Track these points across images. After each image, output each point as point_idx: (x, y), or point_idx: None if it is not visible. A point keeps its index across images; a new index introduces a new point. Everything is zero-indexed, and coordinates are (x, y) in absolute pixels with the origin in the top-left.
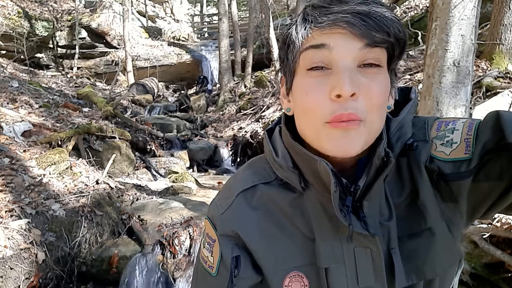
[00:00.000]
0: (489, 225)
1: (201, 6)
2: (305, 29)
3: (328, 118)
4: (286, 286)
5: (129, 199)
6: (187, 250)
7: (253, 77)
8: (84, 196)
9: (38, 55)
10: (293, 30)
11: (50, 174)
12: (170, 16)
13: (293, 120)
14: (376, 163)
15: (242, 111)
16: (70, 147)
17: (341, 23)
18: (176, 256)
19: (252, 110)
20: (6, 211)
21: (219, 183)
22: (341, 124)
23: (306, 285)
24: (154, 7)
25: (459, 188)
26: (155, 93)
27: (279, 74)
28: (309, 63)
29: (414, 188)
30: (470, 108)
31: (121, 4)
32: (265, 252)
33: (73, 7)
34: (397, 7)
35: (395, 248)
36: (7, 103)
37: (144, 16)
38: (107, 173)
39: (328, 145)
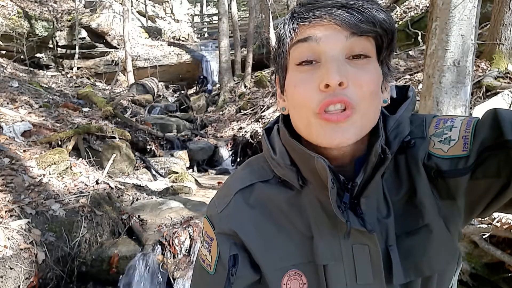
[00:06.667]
0: (489, 225)
1: (201, 6)
2: (292, 24)
3: (317, 107)
4: (284, 284)
5: (129, 199)
6: (187, 250)
7: (253, 77)
8: (84, 196)
9: (38, 55)
10: (281, 27)
11: (50, 174)
12: (170, 16)
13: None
14: (373, 160)
15: (242, 111)
16: (70, 147)
17: (326, 16)
18: (176, 256)
19: (252, 110)
20: (6, 211)
21: (219, 183)
22: (331, 117)
23: (305, 283)
24: (154, 7)
25: (457, 185)
26: (155, 93)
27: (274, 75)
28: (298, 58)
29: (412, 185)
30: (470, 108)
31: (121, 4)
32: (263, 251)
33: (73, 7)
34: (397, 7)
35: (393, 245)
36: (7, 103)
37: (144, 16)
38: (107, 173)
39: (320, 137)
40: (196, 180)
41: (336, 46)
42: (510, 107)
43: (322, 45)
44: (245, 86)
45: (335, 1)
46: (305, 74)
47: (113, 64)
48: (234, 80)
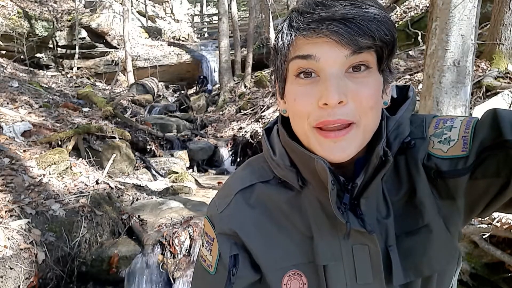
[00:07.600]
0: (489, 225)
1: (201, 6)
2: (290, 37)
3: (314, 123)
4: (285, 284)
5: (129, 199)
6: (187, 250)
7: (253, 77)
8: (84, 196)
9: (38, 55)
10: (279, 38)
11: (50, 174)
12: (170, 16)
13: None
14: (375, 162)
15: (242, 111)
16: (70, 147)
17: (325, 32)
18: (176, 256)
19: (252, 110)
20: (6, 211)
21: (219, 183)
22: (330, 134)
23: (305, 283)
24: (154, 7)
25: (456, 185)
26: (155, 93)
27: (273, 76)
28: (297, 70)
29: (412, 185)
30: (470, 108)
31: (121, 4)
32: (263, 251)
33: (73, 7)
34: (397, 7)
35: (393, 245)
36: (7, 103)
37: (144, 16)
38: (107, 173)
39: (319, 151)
40: (196, 180)
41: (336, 63)
42: (510, 107)
43: (321, 63)
44: (245, 86)
45: (335, 12)
46: (304, 87)
47: (113, 64)
48: (234, 80)
